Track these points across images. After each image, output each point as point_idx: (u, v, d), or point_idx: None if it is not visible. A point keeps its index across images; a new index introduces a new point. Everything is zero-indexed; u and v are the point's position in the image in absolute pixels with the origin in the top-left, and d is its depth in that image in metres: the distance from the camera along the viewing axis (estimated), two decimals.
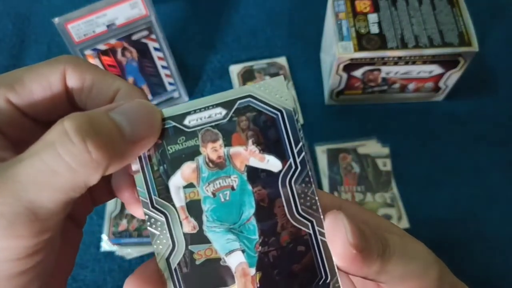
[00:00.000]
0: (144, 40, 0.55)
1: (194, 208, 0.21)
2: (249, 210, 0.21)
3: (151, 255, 0.51)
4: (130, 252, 0.51)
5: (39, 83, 0.21)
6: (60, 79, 0.21)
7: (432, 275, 0.21)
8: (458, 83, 0.56)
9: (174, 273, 0.21)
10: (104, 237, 0.52)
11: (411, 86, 0.57)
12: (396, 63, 0.53)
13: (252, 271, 0.21)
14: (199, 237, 0.21)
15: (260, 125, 0.21)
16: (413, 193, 0.54)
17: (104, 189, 0.24)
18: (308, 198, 0.21)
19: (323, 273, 0.20)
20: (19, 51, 0.64)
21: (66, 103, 0.22)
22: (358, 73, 0.54)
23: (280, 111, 0.21)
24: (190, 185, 0.21)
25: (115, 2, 0.50)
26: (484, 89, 0.61)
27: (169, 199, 0.21)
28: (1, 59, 0.63)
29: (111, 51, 0.54)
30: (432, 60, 0.52)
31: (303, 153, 0.21)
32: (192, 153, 0.21)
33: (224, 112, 0.21)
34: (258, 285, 0.21)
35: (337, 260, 0.21)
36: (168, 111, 0.21)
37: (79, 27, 0.50)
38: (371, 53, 0.51)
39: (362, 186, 0.54)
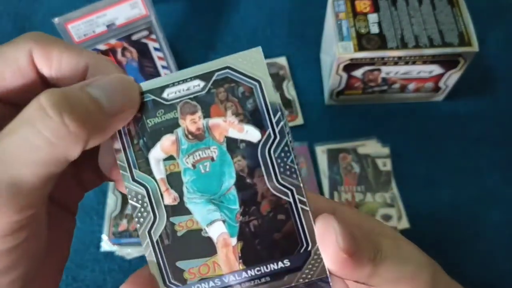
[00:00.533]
0: (144, 40, 0.55)
1: (174, 180, 0.21)
2: (229, 181, 0.21)
3: None
4: (130, 252, 0.51)
5: (8, 67, 0.21)
6: (28, 60, 0.21)
7: (424, 277, 0.21)
8: (458, 83, 0.56)
9: (156, 246, 0.21)
10: (104, 237, 0.52)
11: (411, 86, 0.57)
12: (396, 63, 0.53)
13: (234, 241, 0.21)
14: (180, 209, 0.21)
15: (238, 96, 0.21)
16: (413, 193, 0.54)
17: (92, 174, 0.24)
18: (288, 167, 0.21)
19: (304, 241, 0.21)
20: None
21: (39, 83, 0.22)
22: (358, 73, 0.54)
23: (258, 81, 0.21)
24: (170, 158, 0.21)
25: (115, 2, 0.50)
26: (484, 89, 0.61)
27: (149, 172, 0.21)
28: None
29: (111, 51, 0.54)
30: (432, 60, 0.52)
31: (282, 122, 0.21)
32: (171, 126, 0.21)
33: (202, 84, 0.21)
34: (240, 255, 0.21)
35: (328, 264, 0.21)
36: (146, 85, 0.21)
37: (79, 27, 0.50)
38: (371, 53, 0.51)
39: (362, 186, 0.54)
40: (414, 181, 0.55)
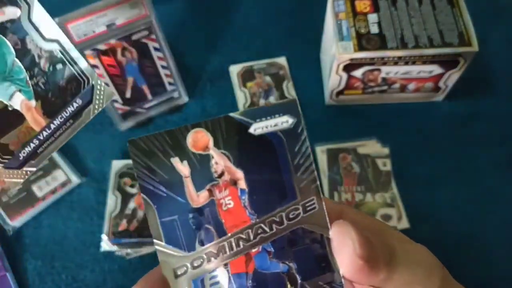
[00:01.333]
0: (144, 40, 0.55)
1: None
2: (10, 57, 0.24)
3: (152, 255, 0.51)
4: (130, 252, 0.51)
5: None
6: None
7: (436, 279, 0.21)
8: (458, 83, 0.56)
9: None
10: (104, 237, 0.52)
11: (411, 86, 0.57)
12: (396, 63, 0.53)
13: (33, 103, 0.25)
14: None
15: None
16: (413, 193, 0.54)
17: None
18: (45, 24, 0.25)
19: (85, 78, 0.25)
20: None
21: None
22: (358, 73, 0.54)
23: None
24: None
25: (115, 2, 0.50)
26: (484, 89, 0.61)
27: None
28: None
29: (111, 51, 0.54)
30: (432, 60, 0.52)
31: None
32: None
33: None
34: (42, 112, 0.25)
35: (344, 271, 0.21)
36: None
37: (79, 27, 0.50)
38: (371, 53, 0.51)
39: (362, 186, 0.54)
40: (414, 181, 0.55)
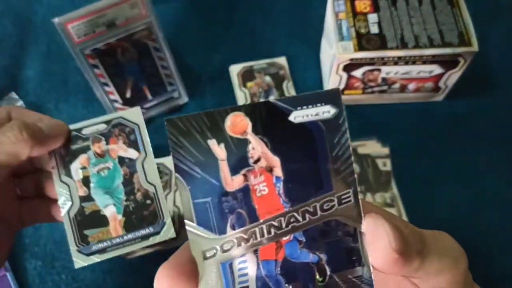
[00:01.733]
0: (144, 40, 0.55)
1: (86, 181, 0.34)
2: (118, 181, 0.34)
3: (152, 255, 0.51)
4: (130, 252, 0.51)
5: None
6: None
7: (462, 267, 0.22)
8: (458, 83, 0.56)
9: (71, 220, 0.34)
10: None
11: (411, 86, 0.57)
12: (396, 63, 0.53)
13: (120, 217, 0.34)
14: (88, 198, 0.34)
15: (126, 132, 0.35)
16: (413, 193, 0.54)
17: (30, 186, 0.36)
18: (151, 171, 0.34)
19: (162, 216, 0.34)
20: (19, 51, 0.64)
21: None
22: (358, 73, 0.55)
23: (137, 125, 0.35)
24: (83, 168, 0.34)
25: (115, 2, 0.50)
26: (484, 89, 0.61)
27: (70, 175, 0.34)
28: (1, 59, 0.63)
29: (111, 51, 0.54)
30: (432, 60, 0.52)
31: (149, 145, 0.34)
32: (85, 149, 0.35)
33: (105, 126, 0.35)
34: (123, 225, 0.34)
35: (378, 265, 0.20)
36: (73, 126, 0.35)
37: (79, 27, 0.50)
38: (371, 53, 0.51)
39: (362, 186, 0.54)
40: (414, 181, 0.55)
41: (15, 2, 0.68)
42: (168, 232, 0.33)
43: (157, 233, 0.33)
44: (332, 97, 0.22)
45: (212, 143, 0.22)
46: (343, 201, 0.22)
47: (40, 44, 0.64)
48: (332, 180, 0.22)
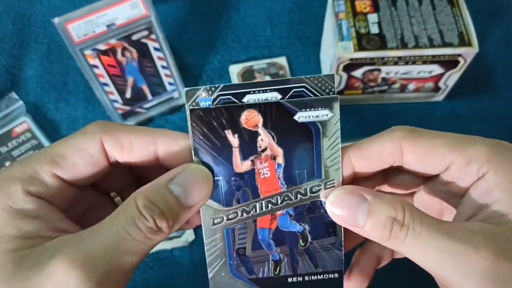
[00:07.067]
0: (144, 40, 0.55)
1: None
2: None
3: (153, 254, 0.51)
4: None
5: (80, 156, 0.25)
6: (99, 148, 0.25)
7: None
8: (458, 83, 0.56)
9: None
10: None
11: (411, 86, 0.57)
12: (396, 63, 0.53)
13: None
14: None
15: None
16: None
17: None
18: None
19: None
20: (19, 51, 0.64)
21: (109, 167, 0.26)
22: (358, 73, 0.55)
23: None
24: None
25: (115, 2, 0.50)
26: (484, 89, 0.61)
27: None
28: (1, 59, 0.63)
29: (111, 51, 0.54)
30: (432, 60, 0.52)
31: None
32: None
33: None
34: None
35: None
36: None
37: (79, 27, 0.50)
38: (371, 53, 0.51)
39: None
40: None
41: (15, 2, 0.68)
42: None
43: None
44: (331, 103, 0.27)
45: (228, 132, 0.26)
46: (328, 186, 0.27)
47: (40, 44, 0.64)
48: (322, 170, 0.27)
